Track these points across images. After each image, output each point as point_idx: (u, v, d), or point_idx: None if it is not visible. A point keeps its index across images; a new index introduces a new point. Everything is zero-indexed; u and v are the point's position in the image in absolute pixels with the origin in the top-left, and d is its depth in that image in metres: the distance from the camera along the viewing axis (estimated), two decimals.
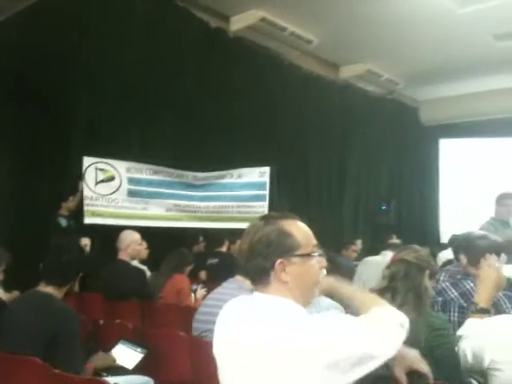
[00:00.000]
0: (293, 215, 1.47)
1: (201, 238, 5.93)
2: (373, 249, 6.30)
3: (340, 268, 2.98)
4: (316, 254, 1.42)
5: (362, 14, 6.32)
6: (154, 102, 6.03)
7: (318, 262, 1.45)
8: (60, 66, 5.10)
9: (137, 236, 4.29)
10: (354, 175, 8.90)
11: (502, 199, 4.56)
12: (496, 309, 2.37)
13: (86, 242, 4.68)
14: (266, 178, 6.40)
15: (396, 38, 6.98)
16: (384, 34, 6.89)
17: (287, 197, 7.53)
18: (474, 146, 9.08)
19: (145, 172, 5.78)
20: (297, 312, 1.34)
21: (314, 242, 1.44)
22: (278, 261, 1.35)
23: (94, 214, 5.40)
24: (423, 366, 1.62)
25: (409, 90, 9.29)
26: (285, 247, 1.37)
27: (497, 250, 2.56)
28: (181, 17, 6.11)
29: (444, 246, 5.99)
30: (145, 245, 4.53)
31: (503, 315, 2.03)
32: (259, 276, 1.38)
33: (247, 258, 1.38)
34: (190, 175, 6.03)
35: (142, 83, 5.90)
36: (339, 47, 7.49)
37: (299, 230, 1.42)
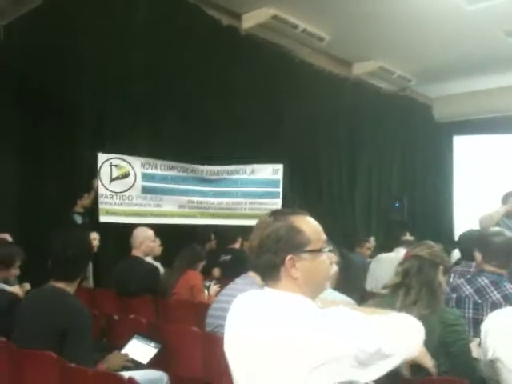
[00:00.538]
0: (302, 211, 1.46)
1: (213, 236, 5.94)
2: (386, 246, 6.26)
3: (352, 265, 2.98)
4: (326, 249, 1.42)
5: (373, 11, 6.29)
6: (166, 99, 6.07)
7: (328, 258, 1.45)
8: (65, 66, 5.14)
9: (150, 233, 4.32)
10: (365, 172, 8.87)
11: (509, 197, 4.51)
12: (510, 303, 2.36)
13: (94, 236, 4.70)
14: (280, 176, 6.40)
15: (407, 35, 6.95)
16: (395, 31, 6.86)
17: (299, 194, 7.53)
18: (489, 143, 9.00)
19: (159, 167, 5.80)
20: (308, 307, 1.33)
21: (324, 237, 1.43)
22: (288, 257, 1.35)
23: (108, 213, 5.44)
24: (427, 361, 1.61)
25: (421, 87, 9.23)
26: (295, 243, 1.36)
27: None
28: (192, 14, 6.12)
29: (456, 243, 5.94)
30: (158, 242, 4.55)
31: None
32: (269, 272, 1.38)
33: (257, 254, 1.38)
34: (204, 169, 6.04)
35: (153, 81, 5.93)
36: (351, 44, 7.46)
37: (309, 225, 1.41)
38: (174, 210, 5.86)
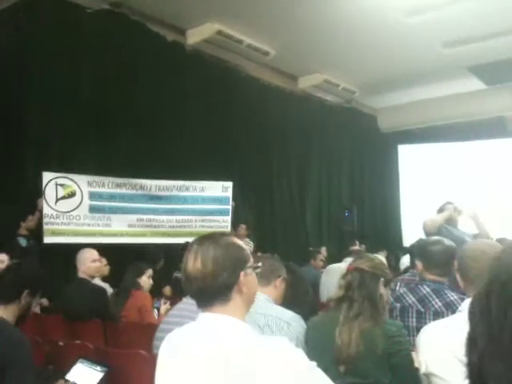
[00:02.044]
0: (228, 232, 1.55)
1: (162, 255, 5.84)
2: (338, 256, 6.37)
3: (300, 278, 3.00)
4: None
5: (316, 26, 6.44)
6: (112, 115, 6.00)
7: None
8: (11, 83, 5.02)
9: (90, 253, 4.13)
10: (315, 184, 8.99)
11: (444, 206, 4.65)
12: (452, 310, 2.42)
13: (2, 258, 4.39)
14: (229, 193, 6.43)
15: (350, 48, 7.14)
16: (338, 45, 7.03)
17: (251, 210, 7.56)
18: (431, 151, 9.30)
19: (107, 185, 5.70)
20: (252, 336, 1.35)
21: None
22: (242, 273, 1.39)
23: (54, 233, 5.31)
24: None
25: (366, 99, 9.47)
26: (242, 260, 1.41)
27: (451, 254, 2.61)
28: (136, 31, 6.10)
29: (407, 250, 6.11)
30: (104, 261, 4.45)
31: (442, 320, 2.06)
32: (222, 292, 1.38)
33: (211, 277, 1.37)
34: (153, 185, 5.98)
35: (99, 97, 5.86)
36: (296, 58, 7.60)
37: (242, 243, 1.48)
38: (123, 229, 5.77)
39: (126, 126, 6.17)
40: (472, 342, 0.52)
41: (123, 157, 6.07)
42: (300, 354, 1.30)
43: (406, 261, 6.18)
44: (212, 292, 1.38)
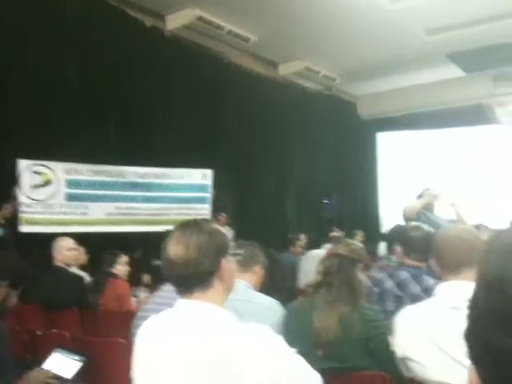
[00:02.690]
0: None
1: (141, 243, 5.80)
2: (318, 242, 6.40)
3: (279, 264, 3.00)
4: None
5: (297, 12, 6.40)
6: (91, 100, 5.90)
7: None
8: None
9: (65, 242, 4.08)
10: (296, 171, 9.00)
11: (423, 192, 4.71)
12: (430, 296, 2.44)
13: None
14: (209, 181, 6.38)
15: (331, 35, 7.12)
16: (319, 32, 7.00)
17: (231, 197, 7.53)
18: (410, 138, 9.36)
19: (85, 173, 5.61)
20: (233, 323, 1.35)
21: None
22: (224, 260, 1.39)
23: (30, 222, 5.22)
24: None
25: (346, 86, 9.48)
26: (225, 247, 1.41)
27: (430, 240, 2.63)
28: (115, 16, 6.00)
29: (384, 236, 6.16)
30: (81, 250, 4.40)
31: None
32: (203, 279, 1.37)
33: (194, 264, 1.36)
34: (132, 172, 5.91)
35: (79, 83, 5.76)
36: (277, 45, 7.56)
37: (223, 230, 1.48)
38: (101, 218, 5.70)
39: (105, 113, 6.08)
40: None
41: (102, 144, 5.99)
42: (280, 341, 1.30)
43: (383, 247, 6.23)
44: (193, 278, 1.37)
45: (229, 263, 1.42)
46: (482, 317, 0.52)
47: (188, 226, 1.42)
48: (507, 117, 9.34)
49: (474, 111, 9.21)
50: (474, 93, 8.70)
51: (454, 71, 8.40)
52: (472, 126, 8.93)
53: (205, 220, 1.51)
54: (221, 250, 1.40)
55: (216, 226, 1.46)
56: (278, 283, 2.81)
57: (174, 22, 6.60)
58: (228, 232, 5.79)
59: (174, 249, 1.38)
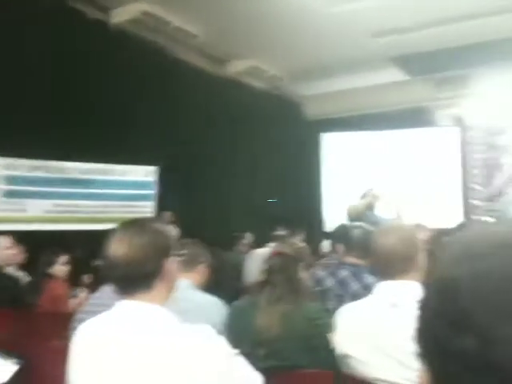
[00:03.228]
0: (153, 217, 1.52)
1: (80, 242, 5.62)
2: (262, 241, 6.42)
3: (225, 264, 3.00)
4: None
5: (246, 11, 6.39)
6: (31, 92, 5.68)
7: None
8: None
9: (2, 241, 3.96)
10: (242, 169, 9.00)
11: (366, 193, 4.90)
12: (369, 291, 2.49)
13: None
14: (153, 178, 6.29)
15: (277, 35, 7.15)
16: (267, 31, 7.02)
17: (177, 195, 7.45)
18: (355, 139, 9.54)
19: (23, 169, 5.41)
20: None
21: None
22: (166, 261, 1.37)
23: None
24: None
25: (293, 86, 9.56)
26: (168, 248, 1.40)
27: (370, 238, 2.69)
28: (57, 8, 5.80)
29: (327, 235, 6.25)
30: (19, 249, 4.25)
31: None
32: (145, 280, 1.35)
33: (136, 264, 1.33)
34: (72, 168, 5.73)
35: (17, 73, 5.53)
36: (225, 43, 7.53)
37: (168, 230, 1.47)
38: (39, 215, 5.51)
39: (44, 107, 5.87)
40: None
41: (40, 138, 5.75)
42: (222, 342, 1.29)
43: (326, 245, 6.33)
44: (135, 279, 1.35)
45: (171, 264, 1.40)
46: (434, 319, 0.51)
47: (131, 225, 1.41)
48: (447, 120, 9.71)
49: (416, 114, 9.50)
50: (416, 96, 8.97)
51: (398, 74, 8.63)
52: (413, 128, 9.21)
53: (149, 219, 1.50)
54: (164, 251, 1.38)
55: (160, 225, 1.44)
56: (223, 282, 2.81)
57: (120, 15, 6.45)
58: (172, 231, 5.72)
59: (116, 248, 1.36)
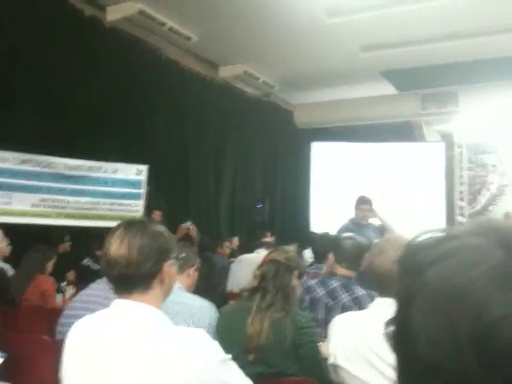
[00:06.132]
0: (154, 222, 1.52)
1: (67, 237, 5.58)
2: (249, 247, 6.43)
3: (214, 268, 3.01)
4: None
5: (241, 16, 6.42)
6: (20, 88, 5.64)
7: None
8: None
9: None
10: (231, 174, 9.01)
11: (358, 204, 4.99)
12: (360, 306, 2.52)
13: None
14: (143, 177, 6.26)
15: (272, 43, 7.19)
16: (260, 38, 7.06)
17: (165, 196, 7.43)
18: (345, 150, 9.60)
19: (10, 161, 5.34)
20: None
21: None
22: (166, 264, 1.38)
23: None
24: None
25: (284, 94, 9.61)
26: (168, 251, 1.41)
27: (361, 250, 2.71)
28: (53, 4, 5.77)
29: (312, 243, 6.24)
30: (5, 242, 4.21)
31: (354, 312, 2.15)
32: (144, 281, 1.36)
33: (135, 264, 1.34)
34: (61, 163, 5.67)
35: (10, 67, 5.48)
36: (218, 47, 7.54)
37: (169, 233, 1.47)
38: (25, 209, 5.44)
39: (35, 100, 5.81)
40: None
41: (29, 131, 5.70)
42: (215, 347, 1.30)
43: (307, 255, 6.32)
44: (133, 279, 1.36)
45: (171, 267, 1.41)
46: (412, 333, 0.51)
47: (133, 225, 1.41)
48: (432, 136, 9.84)
49: (403, 128, 9.62)
50: (404, 110, 9.08)
51: (386, 88, 8.74)
52: (400, 141, 9.31)
53: (150, 221, 1.51)
54: (164, 254, 1.39)
55: (161, 228, 1.45)
56: (212, 286, 2.82)
57: (115, 13, 6.43)
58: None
59: (116, 248, 1.36)
